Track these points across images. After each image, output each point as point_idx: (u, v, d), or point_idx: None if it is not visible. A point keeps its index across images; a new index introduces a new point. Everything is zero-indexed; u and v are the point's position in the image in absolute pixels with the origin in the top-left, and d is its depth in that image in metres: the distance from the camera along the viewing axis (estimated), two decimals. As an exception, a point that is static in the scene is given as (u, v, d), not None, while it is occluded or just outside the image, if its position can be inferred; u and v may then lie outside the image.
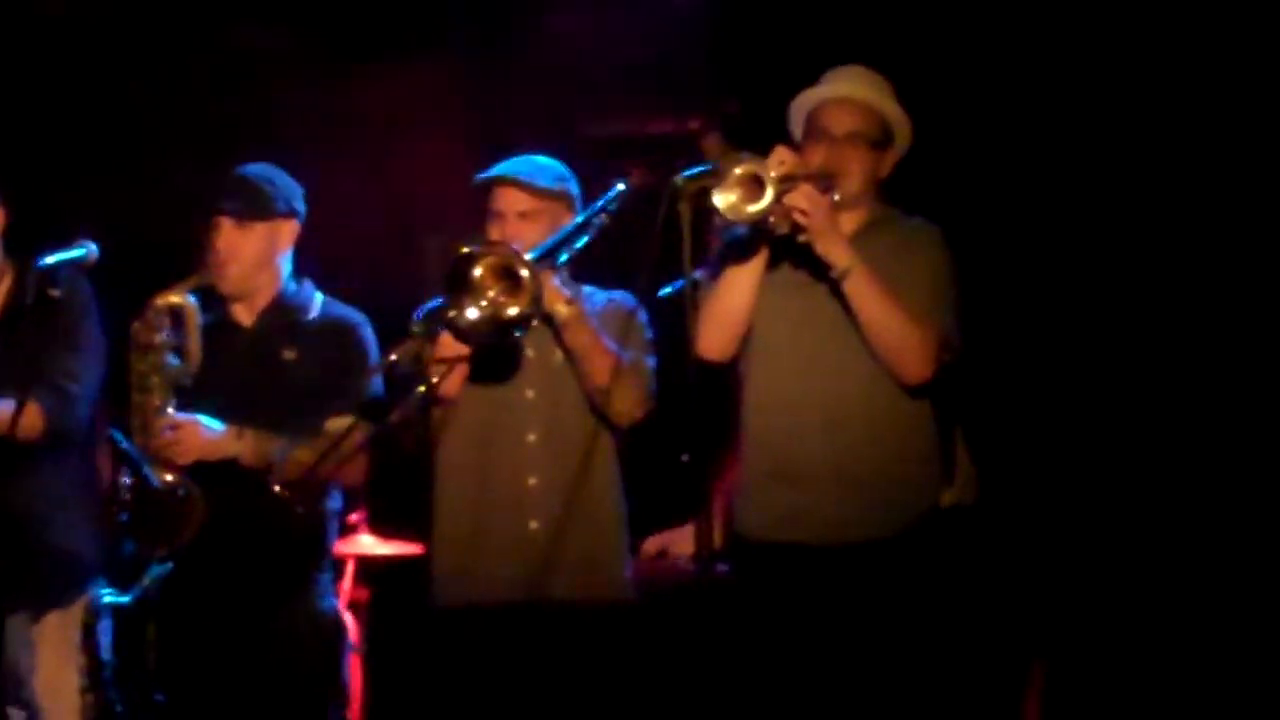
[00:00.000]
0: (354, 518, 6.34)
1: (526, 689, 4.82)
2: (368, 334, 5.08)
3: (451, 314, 4.52)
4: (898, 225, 4.83)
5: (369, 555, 6.43)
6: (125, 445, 4.80)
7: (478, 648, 4.85)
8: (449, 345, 4.66)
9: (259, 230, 5.00)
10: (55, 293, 4.80)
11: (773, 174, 4.42)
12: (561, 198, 4.95)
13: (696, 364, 4.46)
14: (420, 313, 4.77)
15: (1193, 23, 5.91)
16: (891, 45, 5.32)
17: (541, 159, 4.99)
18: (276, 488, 4.68)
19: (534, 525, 4.87)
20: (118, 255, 4.96)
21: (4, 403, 4.80)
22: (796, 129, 4.85)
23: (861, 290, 4.59)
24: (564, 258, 4.80)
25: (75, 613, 5.02)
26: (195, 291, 4.95)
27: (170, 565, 4.81)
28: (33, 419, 4.84)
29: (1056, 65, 6.06)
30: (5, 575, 4.86)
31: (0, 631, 4.81)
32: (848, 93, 4.80)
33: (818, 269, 4.63)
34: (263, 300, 5.08)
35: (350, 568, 6.43)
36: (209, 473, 4.85)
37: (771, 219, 4.51)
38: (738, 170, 4.40)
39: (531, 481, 4.89)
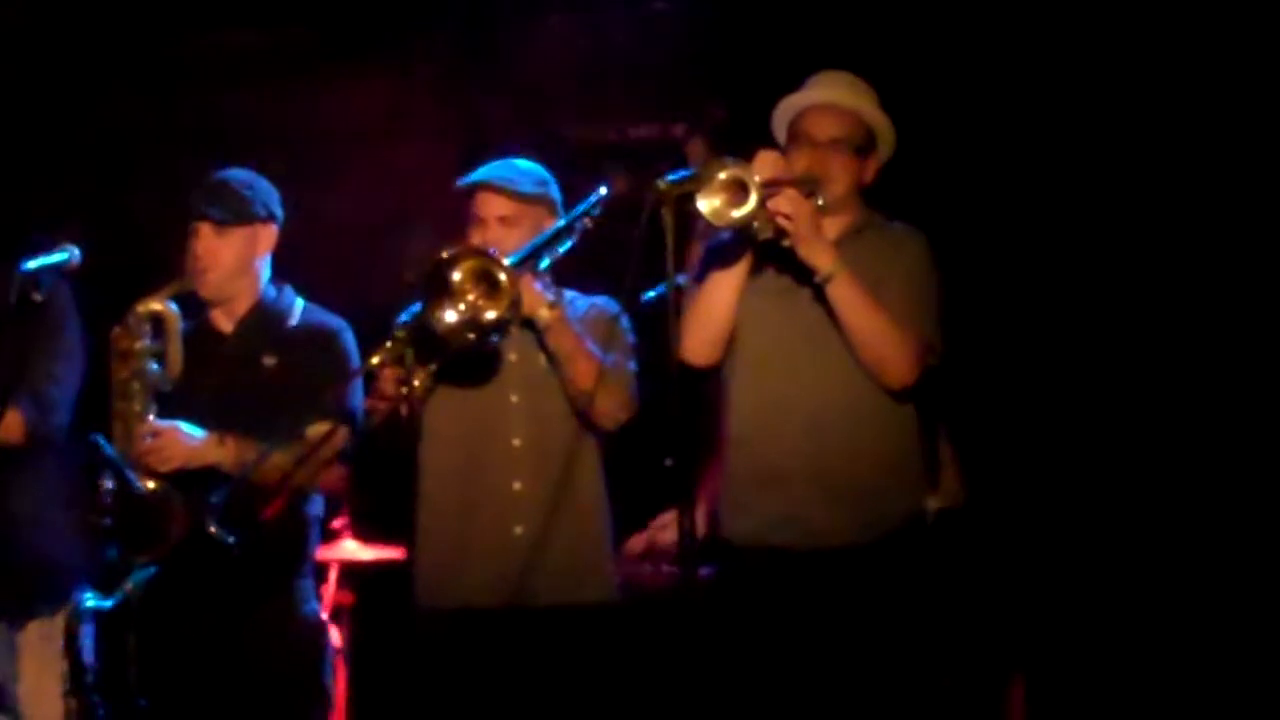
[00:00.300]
0: (337, 523, 6.28)
1: (511, 693, 4.78)
2: (349, 340, 5.03)
3: (430, 318, 4.50)
4: (881, 230, 4.79)
5: (352, 560, 6.37)
6: (108, 450, 4.74)
7: (462, 652, 4.81)
8: (389, 381, 4.63)
9: (238, 235, 4.94)
10: (38, 297, 4.79)
11: (757, 179, 4.39)
12: (542, 202, 4.92)
13: (680, 368, 4.40)
14: (403, 317, 4.73)
15: (1177, 25, 5.90)
16: (875, 51, 5.35)
17: (522, 163, 4.96)
18: (211, 530, 4.62)
19: (519, 529, 4.84)
20: (97, 261, 4.93)
21: None
22: (780, 134, 4.80)
23: (845, 295, 4.55)
24: (546, 262, 4.78)
25: (58, 618, 4.98)
26: (175, 298, 4.90)
27: (153, 570, 4.75)
28: (13, 425, 4.82)
29: (1040, 69, 6.05)
30: None
31: None
32: (831, 98, 4.76)
33: (801, 274, 4.60)
34: (243, 306, 5.03)
35: (334, 573, 6.36)
36: (191, 479, 4.79)
37: (755, 224, 4.47)
38: (722, 175, 4.37)
39: (516, 486, 4.85)
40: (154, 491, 4.76)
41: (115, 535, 4.77)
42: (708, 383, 4.79)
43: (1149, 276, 6.00)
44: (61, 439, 4.99)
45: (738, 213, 4.38)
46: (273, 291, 5.04)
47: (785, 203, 4.46)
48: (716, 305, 4.65)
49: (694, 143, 5.96)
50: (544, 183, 4.94)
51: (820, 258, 4.53)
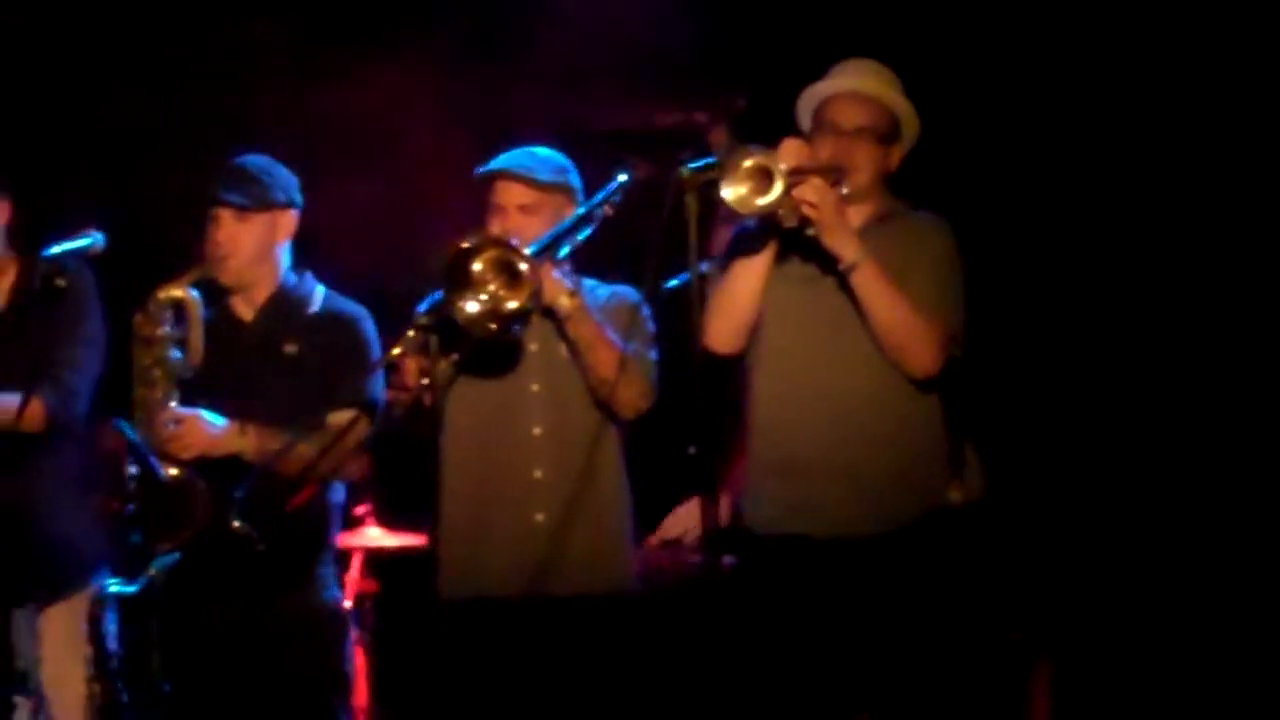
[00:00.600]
0: (360, 510, 6.25)
1: (531, 681, 4.73)
2: (370, 327, 4.98)
3: (452, 308, 4.45)
4: (905, 219, 4.73)
5: (376, 547, 6.33)
6: (131, 436, 4.68)
7: (483, 640, 4.76)
8: (411, 371, 4.61)
9: (258, 221, 4.89)
10: (61, 282, 4.72)
11: (782, 167, 4.33)
12: (562, 190, 4.86)
13: (703, 356, 4.37)
14: (423, 306, 4.66)
15: (1201, 13, 5.85)
16: (899, 38, 5.25)
17: (542, 151, 4.90)
18: (235, 524, 4.58)
19: (539, 518, 4.79)
20: (118, 247, 4.87)
21: (7, 396, 4.73)
22: (805, 122, 4.75)
23: (869, 283, 4.50)
24: (566, 250, 4.72)
25: (81, 603, 4.95)
26: (196, 284, 4.84)
27: (176, 556, 4.71)
28: (34, 412, 4.77)
29: (1065, 57, 6.00)
30: (9, 568, 4.79)
31: (5, 622, 4.76)
32: (856, 87, 4.71)
33: (825, 262, 4.55)
34: (264, 293, 4.98)
35: (357, 560, 6.33)
36: (212, 466, 4.74)
37: (780, 212, 4.41)
38: (747, 163, 4.32)
39: (537, 474, 4.80)
40: (176, 478, 4.70)
41: (138, 521, 4.70)
42: (731, 371, 4.73)
43: (1171, 266, 5.95)
44: (82, 425, 4.95)
45: (763, 201, 4.33)
46: (293, 278, 5.00)
47: (810, 191, 4.40)
48: (741, 293, 4.59)
49: (717, 130, 5.96)
50: (563, 170, 4.88)
51: (844, 246, 4.48)
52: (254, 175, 4.89)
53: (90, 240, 4.79)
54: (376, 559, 6.38)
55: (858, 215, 4.61)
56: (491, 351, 4.71)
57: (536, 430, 4.80)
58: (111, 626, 4.92)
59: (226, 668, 4.81)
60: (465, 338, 4.50)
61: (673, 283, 5.08)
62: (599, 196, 4.72)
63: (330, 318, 4.97)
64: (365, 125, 6.41)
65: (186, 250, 4.92)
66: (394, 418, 4.72)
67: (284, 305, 4.96)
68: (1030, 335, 6.00)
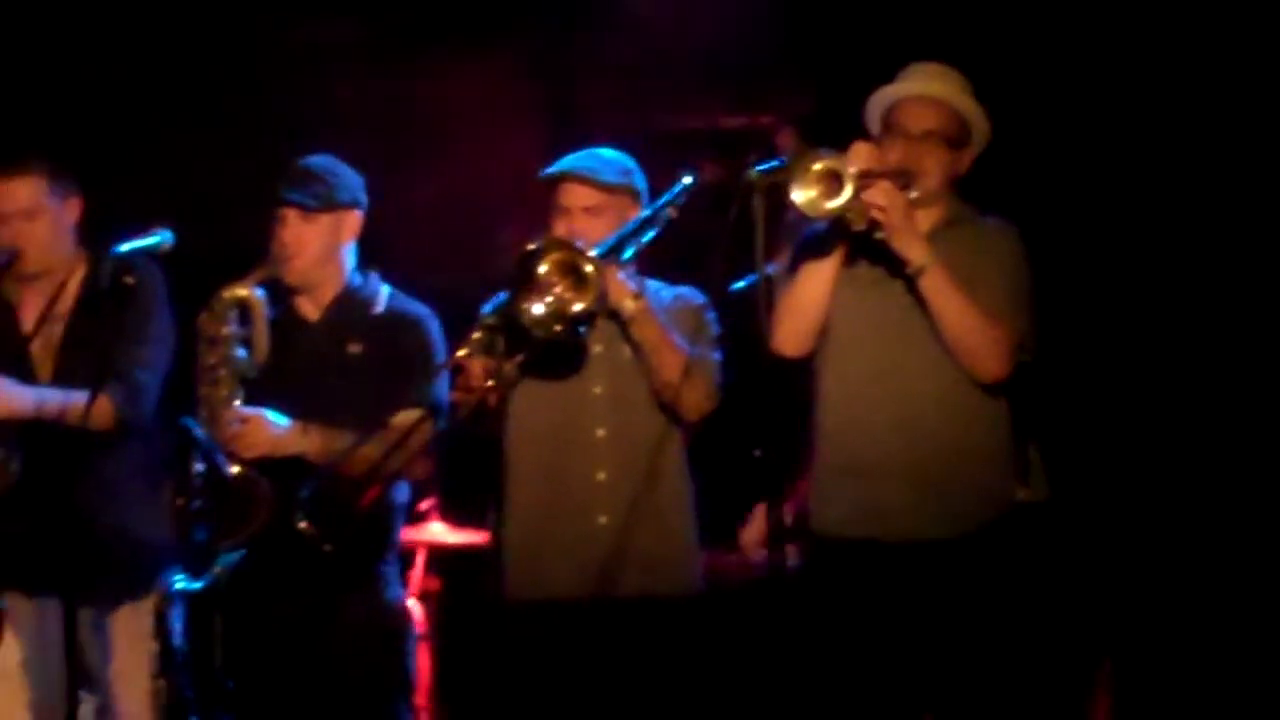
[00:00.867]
0: (424, 506, 6.23)
1: (594, 683, 4.69)
2: (435, 328, 4.93)
3: (517, 310, 4.43)
4: (974, 223, 4.69)
5: (439, 544, 6.30)
6: (198, 433, 4.64)
7: (546, 641, 4.72)
8: (477, 373, 4.57)
9: (324, 222, 4.85)
10: (130, 280, 4.70)
11: (851, 170, 4.31)
12: (627, 192, 4.81)
13: (770, 359, 4.37)
14: (489, 306, 4.65)
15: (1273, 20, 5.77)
16: (969, 41, 5.21)
17: (606, 152, 4.86)
18: (301, 525, 4.51)
19: (603, 520, 4.74)
20: (187, 246, 4.85)
21: (76, 395, 4.71)
22: (874, 126, 4.70)
23: (938, 288, 4.46)
24: (630, 252, 4.68)
25: (148, 600, 4.90)
26: (262, 284, 4.81)
27: (241, 553, 4.67)
28: (103, 411, 4.75)
29: (1136, 62, 5.93)
30: (78, 567, 4.73)
31: (72, 619, 4.67)
32: (925, 90, 4.66)
33: (894, 266, 4.51)
34: (329, 293, 4.94)
35: (420, 557, 6.32)
36: (274, 465, 4.70)
37: (849, 215, 4.38)
38: (816, 166, 4.30)
39: (600, 477, 4.76)
40: (239, 476, 4.67)
41: (204, 518, 4.66)
42: (797, 373, 4.68)
43: (1242, 269, 5.88)
44: (149, 424, 4.92)
45: (832, 204, 4.30)
46: (358, 278, 4.96)
47: (879, 195, 4.38)
48: (810, 296, 4.55)
49: (784, 133, 5.90)
50: (628, 172, 4.84)
51: (913, 250, 4.44)
52: (319, 175, 4.86)
53: (159, 238, 4.77)
54: (440, 556, 6.37)
55: (926, 219, 4.57)
56: (556, 353, 4.66)
57: (600, 432, 4.76)
58: (177, 623, 4.86)
59: (289, 665, 4.77)
60: (530, 339, 4.47)
61: (738, 285, 5.04)
62: (664, 198, 4.69)
63: (395, 318, 4.92)
64: (432, 127, 6.40)
65: (253, 249, 4.90)
66: (459, 419, 4.66)
67: (349, 305, 4.93)
68: (1094, 337, 5.94)
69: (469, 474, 4.93)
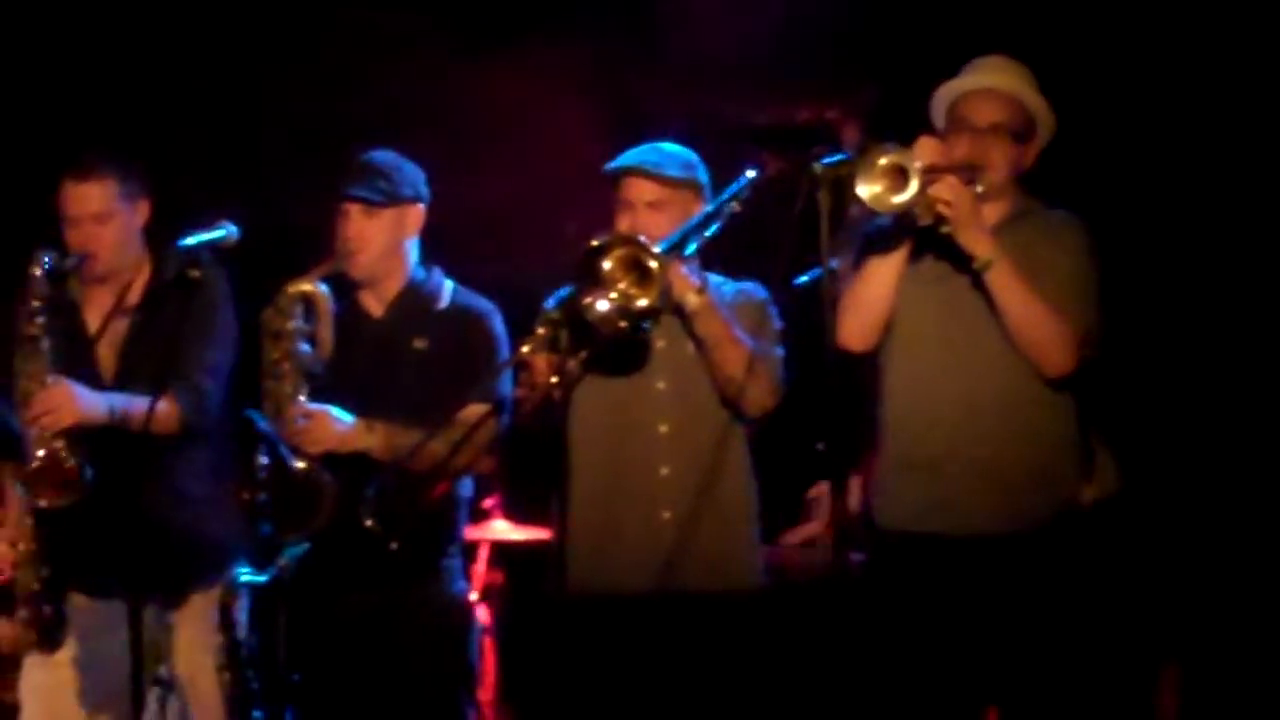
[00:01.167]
0: (488, 502, 6.25)
1: (657, 678, 4.66)
2: (498, 323, 4.92)
3: (581, 307, 4.41)
4: (1040, 217, 4.63)
5: (503, 540, 6.33)
6: (263, 426, 4.63)
7: (609, 636, 4.70)
8: (541, 369, 4.57)
9: (387, 216, 4.85)
10: (195, 273, 4.68)
11: (917, 165, 4.26)
12: (690, 186, 4.78)
13: (835, 353, 4.32)
14: (551, 301, 4.63)
15: None
16: (1034, 34, 5.20)
17: (669, 147, 4.83)
18: (368, 523, 4.51)
19: (666, 515, 4.72)
20: (250, 241, 4.83)
21: (141, 400, 4.70)
22: (939, 120, 4.66)
23: (1004, 282, 4.41)
24: (694, 247, 4.67)
25: (214, 593, 4.89)
26: (326, 279, 4.80)
27: (306, 546, 4.65)
28: (169, 415, 4.76)
29: (1200, 56, 5.85)
30: (146, 566, 4.71)
31: (138, 615, 4.66)
32: (990, 84, 4.61)
33: (959, 260, 4.46)
34: (393, 288, 4.93)
35: (484, 552, 6.33)
36: (338, 461, 4.71)
37: (915, 210, 4.34)
38: (882, 161, 4.25)
39: (664, 472, 4.73)
40: (304, 470, 4.66)
41: (269, 511, 4.65)
42: (861, 368, 4.65)
43: None
44: (214, 423, 4.91)
45: (898, 199, 4.26)
46: (422, 273, 4.95)
47: (945, 189, 4.33)
48: (875, 291, 4.51)
49: (849, 127, 5.92)
50: (691, 166, 4.81)
51: (979, 245, 4.40)
52: (382, 171, 4.85)
53: (224, 232, 4.75)
54: (503, 551, 6.38)
55: (992, 213, 4.52)
56: (619, 349, 4.63)
57: (663, 428, 4.73)
58: (242, 616, 4.87)
59: (354, 658, 4.78)
60: (594, 335, 4.45)
61: (802, 279, 5.00)
62: (727, 193, 4.64)
63: (459, 313, 4.92)
64: (497, 121, 6.39)
65: (318, 245, 4.90)
66: (523, 414, 4.66)
67: (413, 300, 4.92)
68: (1162, 334, 5.88)
69: (531, 471, 4.92)
